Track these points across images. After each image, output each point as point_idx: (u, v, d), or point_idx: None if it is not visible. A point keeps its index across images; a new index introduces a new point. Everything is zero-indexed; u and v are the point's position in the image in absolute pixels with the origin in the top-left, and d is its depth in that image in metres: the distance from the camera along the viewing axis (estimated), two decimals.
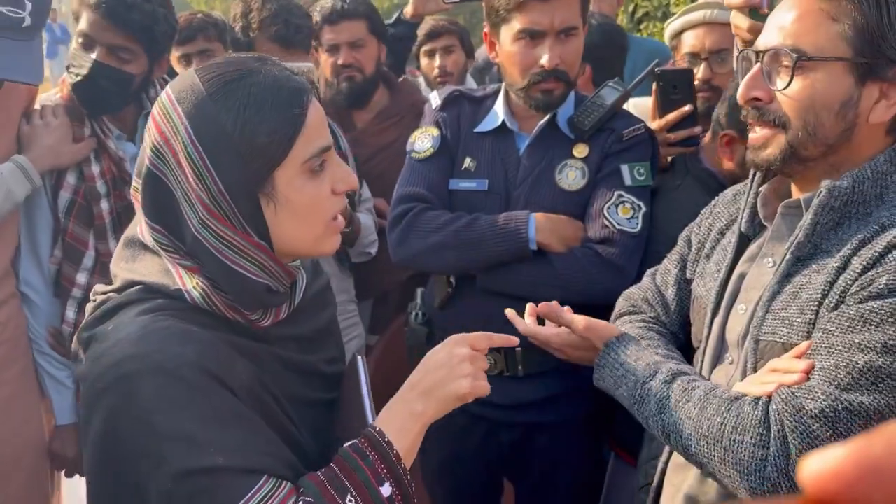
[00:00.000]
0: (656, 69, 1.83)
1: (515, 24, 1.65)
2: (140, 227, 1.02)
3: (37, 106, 1.89)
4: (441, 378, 1.03)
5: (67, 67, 1.89)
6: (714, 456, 1.06)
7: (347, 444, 0.99)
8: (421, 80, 3.20)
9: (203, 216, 0.94)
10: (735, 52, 1.78)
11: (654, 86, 1.82)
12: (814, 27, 1.05)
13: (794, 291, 1.07)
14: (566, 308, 1.37)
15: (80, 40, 1.84)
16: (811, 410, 0.99)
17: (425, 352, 1.81)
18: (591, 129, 1.71)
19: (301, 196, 0.97)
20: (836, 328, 1.00)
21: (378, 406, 1.05)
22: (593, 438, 1.88)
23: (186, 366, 0.90)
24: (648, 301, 1.40)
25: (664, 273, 1.40)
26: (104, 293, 1.02)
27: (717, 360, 1.22)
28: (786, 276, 1.09)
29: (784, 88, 1.07)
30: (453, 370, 1.03)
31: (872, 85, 1.05)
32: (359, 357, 1.14)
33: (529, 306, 1.43)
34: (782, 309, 1.08)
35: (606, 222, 1.66)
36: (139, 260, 1.00)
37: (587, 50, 1.78)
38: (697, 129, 1.79)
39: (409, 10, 2.81)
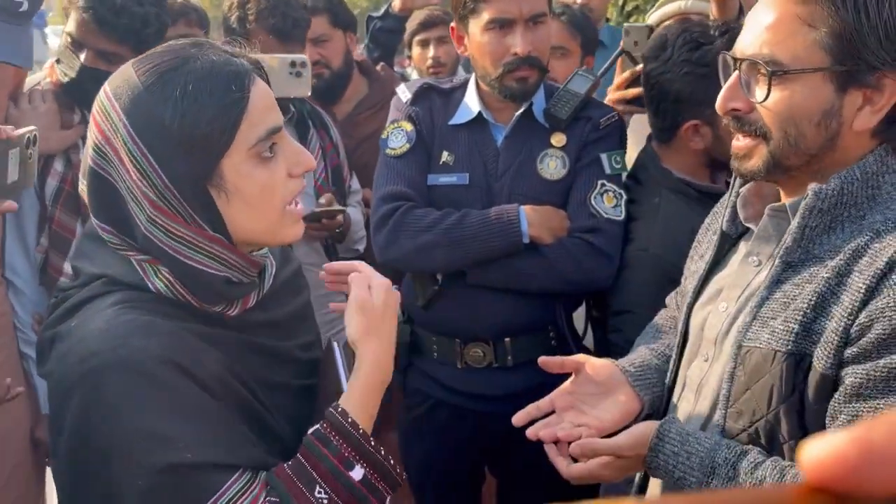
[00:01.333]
0: (624, 25, 1.90)
1: (484, 14, 1.65)
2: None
3: (25, 90, 1.87)
4: (375, 327, 1.02)
5: (57, 61, 1.88)
6: None
7: (311, 430, 0.98)
8: (412, 70, 3.19)
9: (151, 213, 0.92)
10: (711, 19, 1.80)
11: (621, 42, 1.87)
12: (790, 35, 1.01)
13: (784, 301, 1.05)
14: (594, 440, 1.19)
15: (68, 40, 1.83)
16: None
17: (406, 351, 1.82)
18: (568, 118, 1.73)
19: (251, 183, 0.94)
20: (872, 391, 0.94)
21: None
22: None
23: (151, 359, 0.88)
24: (666, 329, 1.40)
25: (682, 294, 1.37)
26: (65, 290, 1.00)
27: (694, 355, 1.21)
28: (776, 283, 1.06)
29: (763, 101, 1.04)
30: (377, 312, 1.03)
31: (855, 92, 1.01)
32: (334, 343, 1.12)
33: (565, 459, 1.23)
34: (771, 318, 1.05)
35: (593, 211, 1.68)
36: (99, 254, 0.98)
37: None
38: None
39: (397, 4, 2.80)
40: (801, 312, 1.02)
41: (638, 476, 1.32)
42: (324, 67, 2.38)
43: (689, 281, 1.29)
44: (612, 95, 1.85)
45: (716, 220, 1.29)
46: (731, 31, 1.59)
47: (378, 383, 1.02)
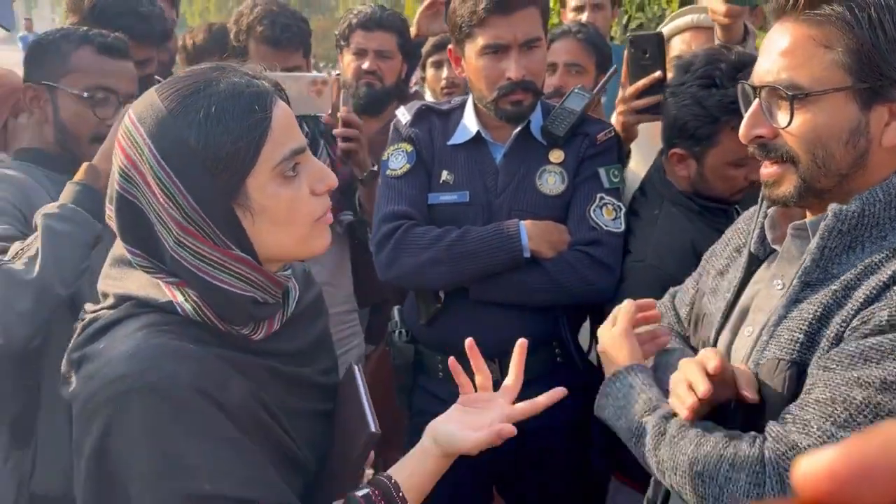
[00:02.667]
0: (628, 35, 1.87)
1: (479, 39, 1.68)
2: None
3: None
4: (454, 428, 1.06)
5: None
6: (709, 494, 1.03)
7: (360, 492, 0.98)
8: (425, 91, 3.21)
9: (178, 235, 0.92)
10: (716, 41, 1.79)
11: (625, 52, 1.84)
12: (807, 58, 1.01)
13: (797, 315, 1.04)
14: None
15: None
16: (805, 448, 0.96)
17: (412, 371, 1.82)
18: (565, 135, 1.75)
19: (277, 202, 0.95)
20: (837, 365, 0.96)
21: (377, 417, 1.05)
22: (583, 443, 1.88)
23: (180, 386, 0.88)
24: (665, 316, 1.39)
25: (683, 293, 1.39)
26: (94, 311, 1.00)
27: None
28: (793, 302, 1.06)
29: (786, 126, 1.03)
30: (465, 420, 1.06)
31: (880, 108, 1.00)
32: (356, 367, 1.13)
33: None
34: (784, 334, 1.05)
35: (593, 224, 1.69)
36: (127, 277, 0.99)
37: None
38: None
39: (412, 31, 2.83)
40: (807, 323, 1.02)
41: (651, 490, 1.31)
42: (377, 80, 2.43)
43: (711, 301, 1.26)
44: (623, 106, 1.84)
45: (737, 237, 1.27)
46: (744, 80, 1.57)
47: (430, 465, 1.05)
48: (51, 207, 1.46)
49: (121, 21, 1.97)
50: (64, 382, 0.99)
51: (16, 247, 1.43)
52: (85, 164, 1.54)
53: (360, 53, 2.44)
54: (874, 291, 0.96)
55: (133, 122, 0.94)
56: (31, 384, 1.51)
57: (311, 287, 1.19)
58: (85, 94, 1.61)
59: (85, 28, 1.70)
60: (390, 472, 1.01)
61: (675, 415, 1.11)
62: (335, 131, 2.04)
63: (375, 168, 2.10)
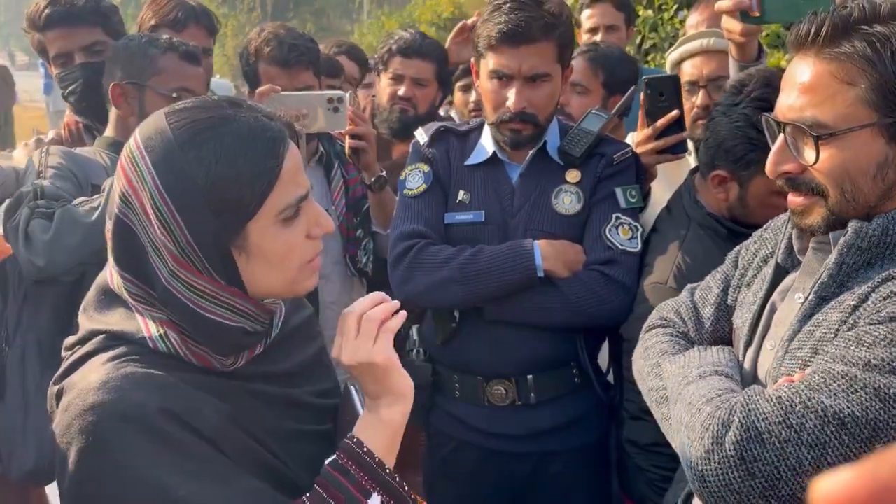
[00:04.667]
0: (643, 77, 1.87)
1: (489, 62, 1.71)
2: (109, 273, 1.00)
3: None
4: (369, 371, 1.00)
5: (66, 98, 2.04)
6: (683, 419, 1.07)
7: (328, 460, 0.98)
8: (453, 114, 3.25)
9: (172, 267, 0.91)
10: (731, 64, 1.79)
11: (641, 95, 1.84)
12: (830, 95, 1.00)
13: (810, 330, 1.04)
14: None
15: (59, 63, 2.01)
16: (769, 395, 0.98)
17: (430, 390, 1.82)
18: (582, 155, 1.75)
19: (274, 245, 0.94)
20: (833, 348, 0.98)
21: None
22: (602, 465, 1.87)
23: (150, 413, 0.88)
24: (681, 315, 1.35)
25: (705, 290, 1.35)
26: (71, 347, 1.01)
27: None
28: (808, 316, 1.06)
29: (813, 164, 1.03)
30: (361, 349, 0.99)
31: None
32: (351, 387, 1.12)
33: None
34: (798, 349, 1.05)
35: (609, 244, 1.69)
36: (109, 310, 0.98)
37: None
38: (685, 134, 1.80)
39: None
40: (817, 338, 1.02)
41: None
42: (411, 106, 2.47)
43: (739, 317, 1.25)
44: (642, 147, 1.82)
45: (764, 247, 1.26)
46: None
47: (387, 421, 1.01)
48: None
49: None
50: (51, 416, 0.99)
51: (81, 199, 1.68)
52: None
53: (397, 79, 2.48)
54: (886, 295, 0.97)
55: (139, 147, 0.92)
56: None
57: (300, 309, 1.18)
58: (173, 94, 1.80)
59: (167, 37, 1.92)
60: (354, 431, 1.00)
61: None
62: (346, 129, 2.04)
63: (384, 173, 2.12)
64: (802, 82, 1.03)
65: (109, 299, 0.99)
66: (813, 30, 1.02)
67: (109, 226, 0.96)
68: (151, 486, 0.87)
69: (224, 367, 0.98)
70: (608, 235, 1.70)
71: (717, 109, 1.60)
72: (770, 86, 1.52)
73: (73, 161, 1.80)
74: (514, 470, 1.80)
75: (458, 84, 2.97)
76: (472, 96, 2.90)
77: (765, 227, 1.31)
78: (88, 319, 1.00)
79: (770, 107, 1.53)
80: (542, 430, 1.76)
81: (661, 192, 1.89)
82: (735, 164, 1.54)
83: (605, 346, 1.91)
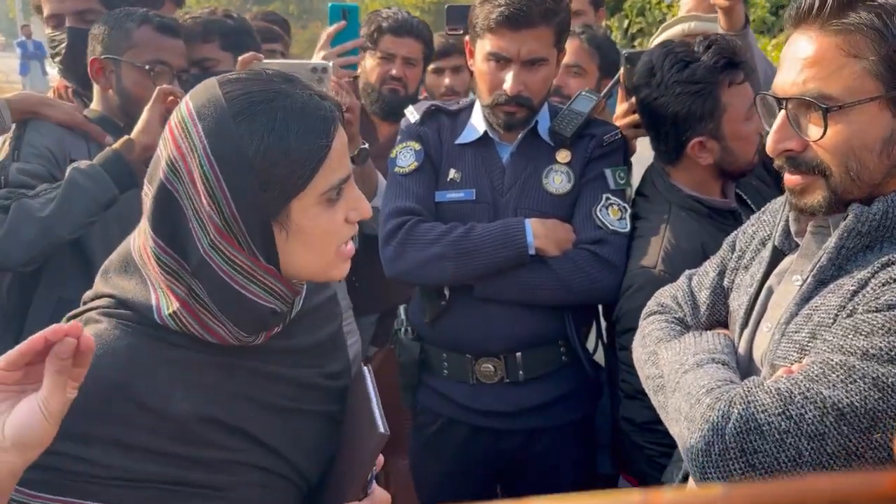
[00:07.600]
0: (623, 52, 1.90)
1: (487, 44, 1.70)
2: (134, 239, 0.98)
3: None
4: None
5: (53, 58, 2.03)
6: (682, 409, 1.07)
7: None
8: (420, 96, 3.21)
9: (214, 238, 0.90)
10: (718, 30, 1.80)
11: (621, 69, 1.87)
12: (836, 68, 0.99)
13: (808, 313, 1.04)
14: None
15: (51, 24, 1.99)
16: (768, 386, 0.99)
17: (417, 369, 1.81)
18: (573, 136, 1.77)
19: (314, 226, 0.94)
20: (832, 336, 0.98)
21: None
22: (587, 443, 1.89)
23: (109, 384, 0.88)
24: (678, 301, 1.35)
25: (702, 275, 1.35)
26: (80, 310, 1.00)
27: (746, 376, 1.18)
28: (806, 299, 1.06)
29: (819, 139, 1.01)
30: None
31: None
32: (365, 368, 1.11)
33: None
34: (795, 332, 1.05)
35: (599, 223, 1.71)
36: (126, 276, 0.97)
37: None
38: None
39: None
40: (815, 322, 1.02)
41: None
42: (402, 87, 2.43)
43: (736, 299, 1.26)
44: (622, 121, 1.87)
45: (762, 229, 1.26)
46: (715, 44, 1.60)
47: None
48: (82, 164, 1.68)
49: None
50: None
51: (43, 186, 1.66)
52: (124, 137, 1.73)
53: (388, 58, 2.43)
54: (886, 281, 0.97)
55: (191, 114, 0.91)
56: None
57: (323, 289, 1.17)
58: (147, 67, 1.82)
59: (144, 9, 1.91)
60: None
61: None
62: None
63: (366, 146, 2.10)
64: (806, 57, 1.02)
65: (129, 266, 0.98)
66: (818, 2, 1.01)
67: (149, 190, 0.94)
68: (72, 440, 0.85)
69: (242, 342, 0.97)
70: (598, 215, 1.71)
71: (648, 98, 1.66)
72: (671, 51, 1.63)
73: (52, 135, 1.77)
74: (501, 447, 1.81)
75: (431, 67, 2.94)
76: (446, 80, 2.88)
77: (763, 209, 1.32)
78: (105, 282, 0.99)
79: (684, 63, 1.59)
80: (530, 406, 1.77)
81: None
82: (700, 122, 1.60)
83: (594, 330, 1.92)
